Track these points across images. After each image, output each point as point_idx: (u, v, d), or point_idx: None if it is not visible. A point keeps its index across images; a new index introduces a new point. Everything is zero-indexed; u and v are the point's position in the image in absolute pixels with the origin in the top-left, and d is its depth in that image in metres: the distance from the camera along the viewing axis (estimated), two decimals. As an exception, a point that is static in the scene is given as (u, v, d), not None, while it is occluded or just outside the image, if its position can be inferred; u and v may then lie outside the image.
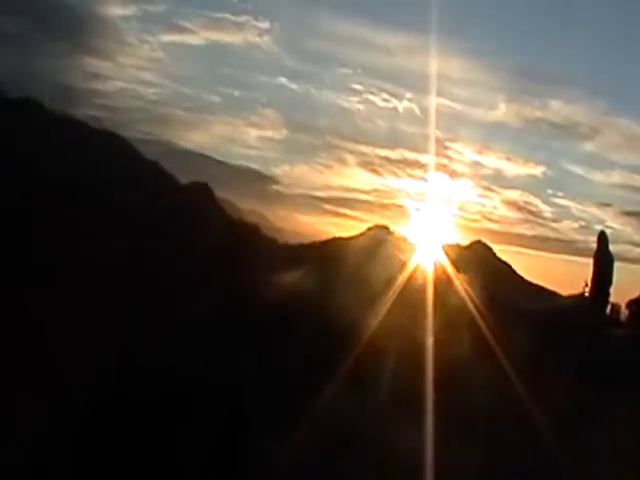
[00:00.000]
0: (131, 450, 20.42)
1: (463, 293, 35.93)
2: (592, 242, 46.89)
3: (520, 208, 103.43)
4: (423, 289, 34.85)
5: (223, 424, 22.69)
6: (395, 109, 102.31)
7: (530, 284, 48.64)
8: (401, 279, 35.75)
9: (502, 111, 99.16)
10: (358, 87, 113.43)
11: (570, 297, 46.05)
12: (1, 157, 30.66)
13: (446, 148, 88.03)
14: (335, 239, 46.25)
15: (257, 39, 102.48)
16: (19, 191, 28.72)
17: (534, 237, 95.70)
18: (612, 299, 45.14)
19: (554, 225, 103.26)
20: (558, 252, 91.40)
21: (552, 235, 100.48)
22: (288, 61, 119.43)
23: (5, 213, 27.12)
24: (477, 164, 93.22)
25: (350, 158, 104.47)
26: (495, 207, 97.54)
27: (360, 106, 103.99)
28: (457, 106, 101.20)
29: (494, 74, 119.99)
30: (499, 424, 25.72)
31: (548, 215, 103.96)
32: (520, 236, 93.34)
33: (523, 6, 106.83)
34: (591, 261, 45.41)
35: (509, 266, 49.83)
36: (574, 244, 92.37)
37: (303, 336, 27.84)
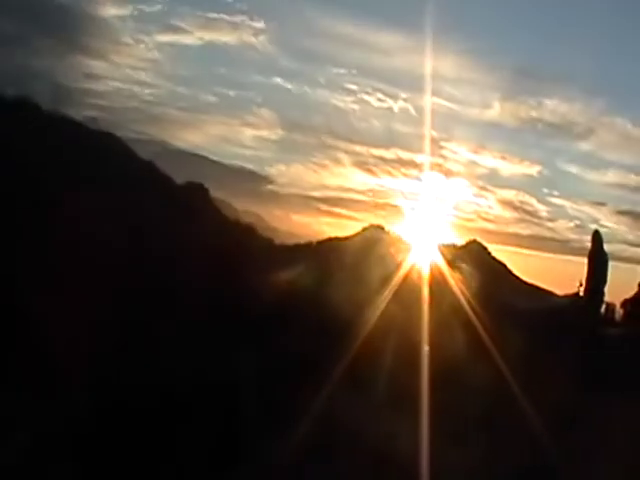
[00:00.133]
0: (128, 449, 20.41)
1: (458, 293, 36.01)
2: (587, 241, 47.12)
3: (515, 207, 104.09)
4: (418, 289, 34.90)
5: (221, 423, 22.71)
6: (390, 109, 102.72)
7: (525, 283, 48.82)
8: (396, 279, 35.81)
9: (497, 110, 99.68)
10: (353, 87, 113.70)
11: (565, 296, 46.24)
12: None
13: (441, 148, 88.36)
14: (331, 239, 46.35)
15: (252, 39, 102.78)
16: (15, 191, 28.68)
17: (529, 236, 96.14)
18: (607, 298, 45.39)
19: (549, 224, 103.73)
20: (553, 251, 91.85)
21: (547, 234, 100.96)
22: (283, 61, 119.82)
23: (1, 213, 27.12)
24: (472, 163, 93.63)
25: (345, 158, 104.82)
26: (490, 206, 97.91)
27: (355, 106, 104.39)
28: (452, 106, 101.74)
29: (489, 74, 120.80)
30: (494, 424, 25.78)
31: (543, 214, 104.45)
32: (515, 235, 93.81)
33: (518, 6, 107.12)
34: (586, 260, 45.60)
35: (504, 266, 50.02)
36: (569, 243, 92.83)
37: (299, 336, 27.87)
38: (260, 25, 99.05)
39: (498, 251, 52.82)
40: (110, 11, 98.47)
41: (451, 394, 25.63)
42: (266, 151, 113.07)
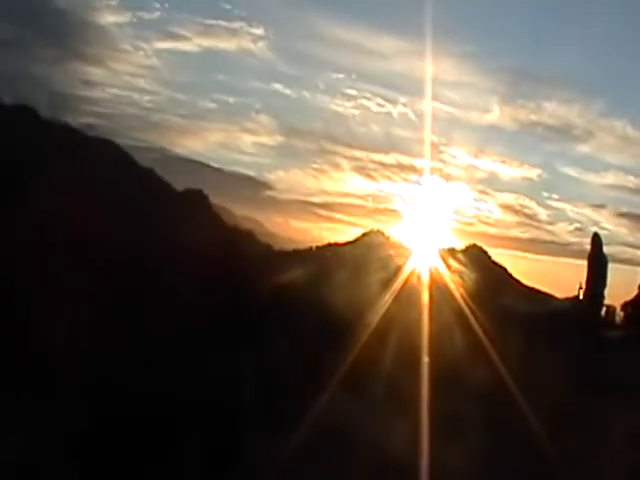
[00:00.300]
0: (127, 451, 20.43)
1: (459, 297, 35.99)
2: (587, 244, 46.97)
3: (516, 211, 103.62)
4: (419, 293, 34.89)
5: (220, 424, 22.73)
6: (389, 114, 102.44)
7: (526, 287, 48.72)
8: (397, 283, 35.79)
9: (497, 114, 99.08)
10: (352, 92, 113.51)
11: (566, 299, 46.16)
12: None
13: (441, 152, 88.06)
14: (330, 244, 46.37)
15: (251, 45, 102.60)
16: (12, 197, 28.80)
17: (530, 240, 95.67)
18: (607, 301, 45.27)
19: (549, 228, 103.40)
20: (554, 254, 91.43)
21: (548, 238, 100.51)
22: (282, 67, 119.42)
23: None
24: (472, 167, 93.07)
25: (344, 163, 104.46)
26: (490, 210, 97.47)
27: (354, 111, 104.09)
28: (452, 110, 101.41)
29: (488, 77, 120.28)
30: (495, 427, 25.73)
31: (543, 218, 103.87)
32: (516, 239, 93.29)
33: (517, 8, 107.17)
34: (586, 263, 45.56)
35: (505, 269, 49.93)
36: (569, 246, 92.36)
37: (299, 341, 27.88)
38: (259, 31, 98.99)
39: (498, 255, 52.76)
40: (108, 18, 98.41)
41: (451, 398, 25.60)
42: (265, 157, 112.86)
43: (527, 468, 24.26)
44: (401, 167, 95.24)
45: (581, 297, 44.79)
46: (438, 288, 36.49)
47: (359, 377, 26.25)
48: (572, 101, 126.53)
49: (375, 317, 31.50)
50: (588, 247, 46.34)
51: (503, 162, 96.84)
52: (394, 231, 49.03)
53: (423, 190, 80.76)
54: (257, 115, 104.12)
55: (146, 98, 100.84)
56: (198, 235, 34.33)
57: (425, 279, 38.19)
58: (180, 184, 43.98)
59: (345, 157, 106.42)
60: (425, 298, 33.97)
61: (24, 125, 37.03)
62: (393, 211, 73.38)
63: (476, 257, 46.70)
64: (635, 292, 45.76)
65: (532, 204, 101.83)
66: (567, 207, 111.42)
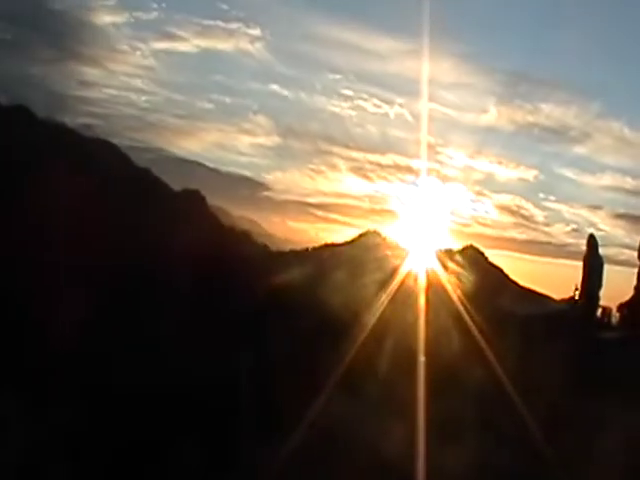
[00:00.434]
0: (124, 449, 20.40)
1: (455, 298, 36.01)
2: (584, 245, 47.01)
3: (512, 212, 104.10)
4: (415, 294, 34.91)
5: (218, 424, 22.73)
6: (386, 114, 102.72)
7: (522, 288, 48.77)
8: (393, 284, 35.81)
9: (494, 115, 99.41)
10: (349, 93, 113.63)
11: (562, 300, 46.21)
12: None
13: (437, 153, 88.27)
14: (327, 245, 46.40)
15: (249, 46, 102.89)
16: (10, 198, 28.77)
17: (526, 241, 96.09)
18: (604, 302, 45.28)
19: (546, 229, 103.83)
20: (550, 256, 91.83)
21: (544, 239, 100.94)
22: (280, 67, 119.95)
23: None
24: (469, 168, 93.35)
25: (341, 164, 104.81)
26: (487, 211, 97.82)
27: (351, 112, 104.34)
28: (448, 111, 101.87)
29: (485, 78, 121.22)
30: (492, 428, 25.76)
31: (540, 219, 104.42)
32: (512, 240, 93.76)
33: (513, 10, 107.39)
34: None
35: (501, 270, 50.01)
36: (566, 247, 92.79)
37: (296, 342, 27.88)
38: (256, 32, 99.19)
39: (495, 256, 52.92)
40: (105, 18, 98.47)
41: (448, 399, 25.60)
42: (262, 158, 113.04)
43: (524, 469, 24.25)
44: (398, 168, 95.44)
45: (577, 298, 44.83)
46: (435, 289, 36.51)
47: (356, 378, 26.26)
48: (569, 102, 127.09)
49: (372, 318, 31.50)
50: (584, 248, 46.39)
51: (500, 163, 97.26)
52: (391, 232, 49.13)
53: (420, 191, 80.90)
54: (254, 116, 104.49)
55: (143, 98, 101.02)
56: (195, 235, 34.38)
57: (422, 280, 38.21)
58: (177, 184, 44.22)
59: (342, 158, 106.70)
60: (422, 299, 33.97)
61: (20, 125, 37.04)
62: (390, 212, 73.61)
63: (473, 258, 46.73)
64: (631, 293, 45.79)
65: (529, 205, 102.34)
66: (564, 208, 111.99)
